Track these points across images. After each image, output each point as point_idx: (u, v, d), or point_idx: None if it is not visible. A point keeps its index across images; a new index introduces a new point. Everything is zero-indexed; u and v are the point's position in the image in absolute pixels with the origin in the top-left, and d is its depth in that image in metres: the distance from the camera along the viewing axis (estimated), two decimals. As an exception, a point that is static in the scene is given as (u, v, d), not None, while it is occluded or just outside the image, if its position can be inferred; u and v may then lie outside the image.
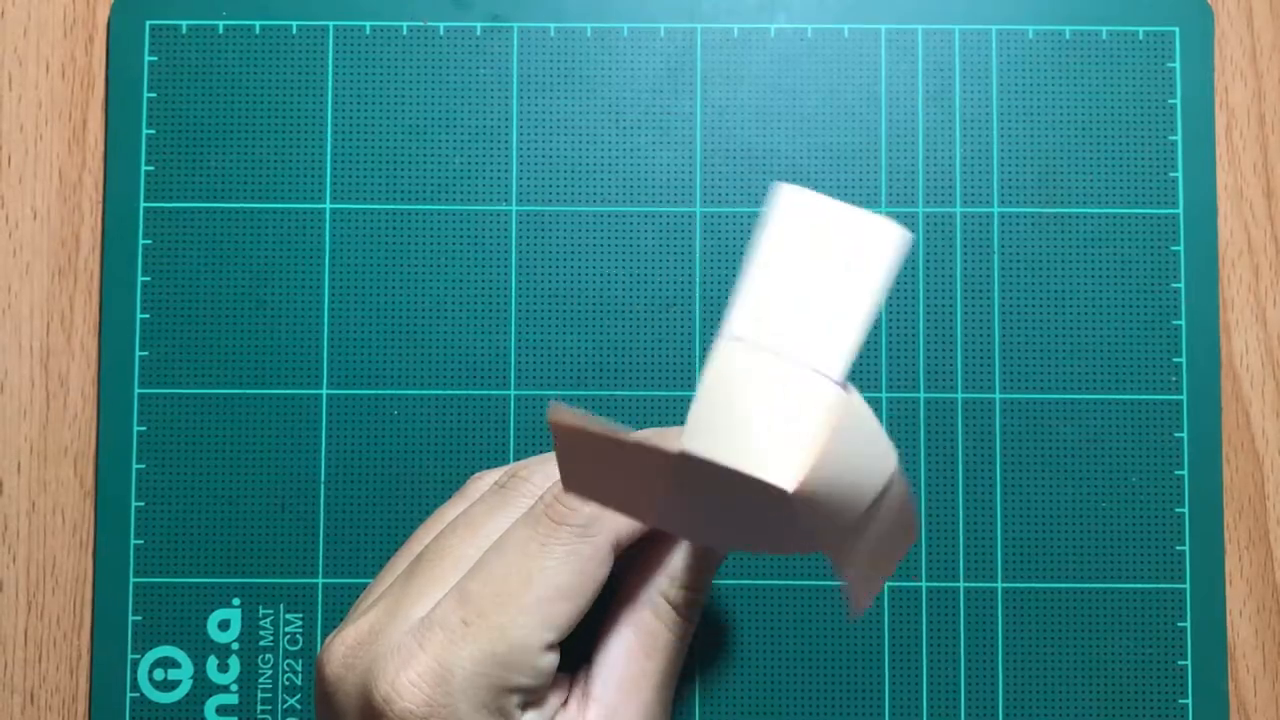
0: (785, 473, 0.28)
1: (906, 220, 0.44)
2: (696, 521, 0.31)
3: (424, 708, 0.31)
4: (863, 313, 0.29)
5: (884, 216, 0.30)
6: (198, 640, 0.44)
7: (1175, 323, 0.44)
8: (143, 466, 0.44)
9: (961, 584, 0.44)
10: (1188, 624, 0.43)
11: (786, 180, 0.44)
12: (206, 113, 0.45)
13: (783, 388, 0.29)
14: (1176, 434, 0.44)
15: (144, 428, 0.44)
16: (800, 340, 0.29)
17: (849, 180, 0.45)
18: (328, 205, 0.45)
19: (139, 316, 0.44)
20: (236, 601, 0.44)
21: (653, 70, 0.45)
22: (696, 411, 0.29)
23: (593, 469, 0.30)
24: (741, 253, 0.44)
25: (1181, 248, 0.44)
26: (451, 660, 0.31)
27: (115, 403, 0.44)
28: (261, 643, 0.44)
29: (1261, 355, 0.44)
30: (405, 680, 0.31)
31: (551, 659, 0.32)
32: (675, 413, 0.44)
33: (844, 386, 0.29)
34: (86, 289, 0.45)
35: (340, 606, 0.44)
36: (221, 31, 0.45)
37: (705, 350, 0.44)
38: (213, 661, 0.43)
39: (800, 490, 0.28)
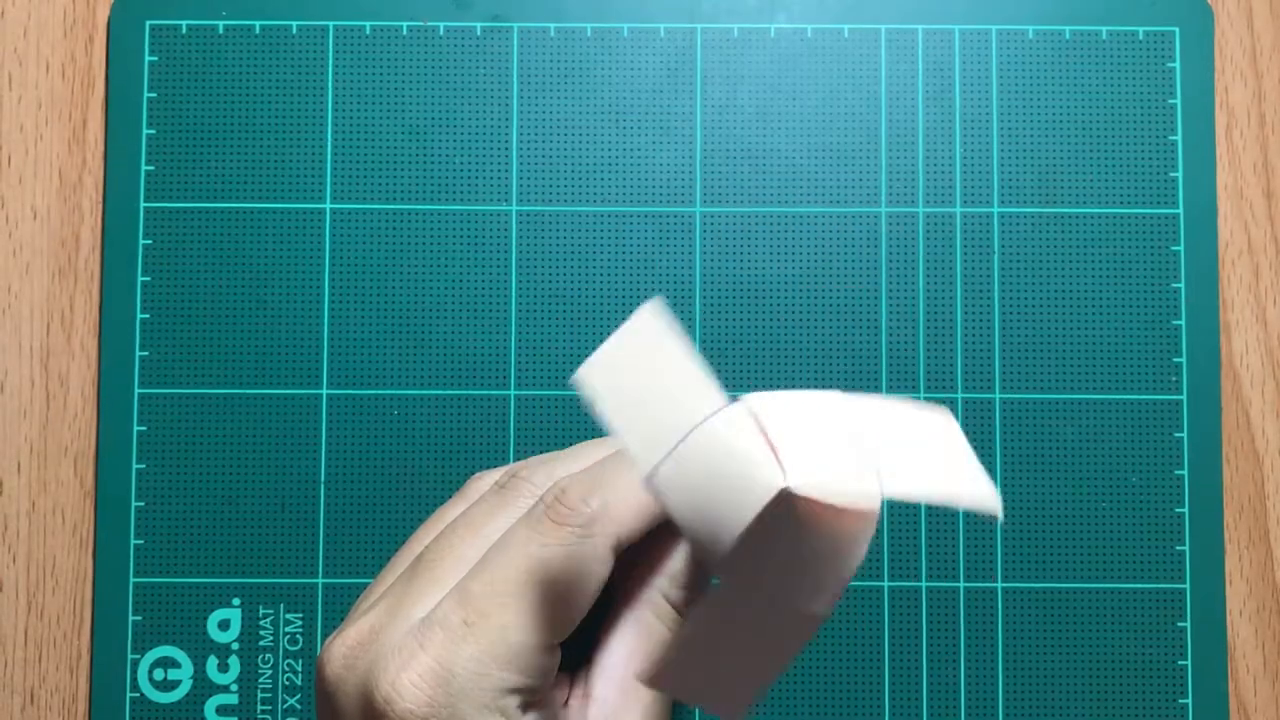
0: (798, 473, 0.28)
1: (906, 220, 0.44)
2: (684, 499, 0.31)
3: (425, 708, 0.31)
4: (684, 364, 0.30)
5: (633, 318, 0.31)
6: (198, 640, 0.44)
7: (1175, 323, 0.44)
8: (143, 466, 0.44)
9: (961, 584, 0.44)
10: (1188, 624, 0.43)
11: (786, 180, 0.44)
12: (206, 113, 0.45)
13: (719, 438, 0.29)
14: (1176, 434, 0.44)
15: (144, 428, 0.44)
16: (684, 413, 0.30)
17: (849, 180, 0.45)
18: (328, 205, 0.45)
19: (139, 316, 0.44)
20: (236, 601, 0.44)
21: (653, 70, 0.45)
22: (694, 534, 0.29)
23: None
24: (742, 252, 0.44)
25: (1181, 248, 0.44)
26: (453, 660, 0.31)
27: (115, 403, 0.44)
28: (261, 643, 0.44)
29: (1261, 355, 0.44)
30: (406, 680, 0.31)
31: (552, 659, 0.32)
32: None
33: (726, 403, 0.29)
34: (86, 289, 0.45)
35: (340, 606, 0.44)
36: (221, 31, 0.45)
37: (705, 350, 0.44)
38: (213, 661, 0.43)
39: (801, 501, 0.28)
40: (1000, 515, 0.31)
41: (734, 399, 0.29)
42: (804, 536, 0.28)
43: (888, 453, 0.30)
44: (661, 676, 0.30)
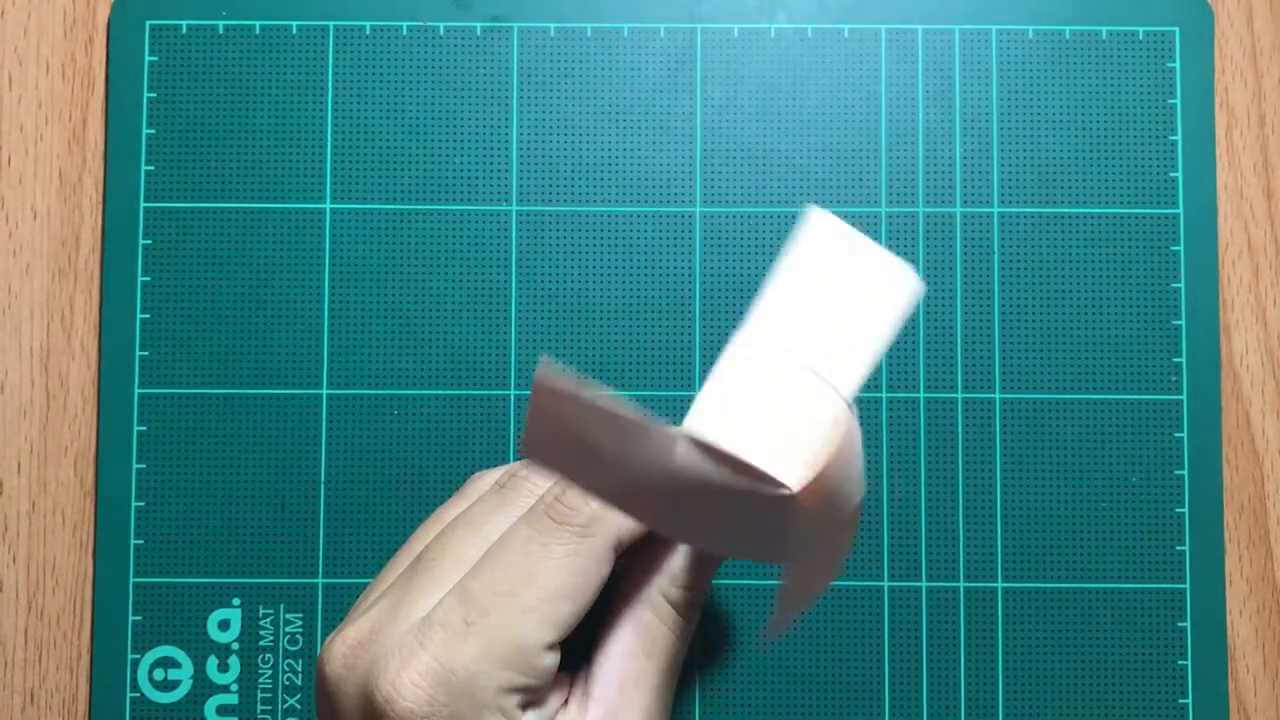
0: (791, 473, 0.28)
1: (906, 220, 0.44)
2: (679, 517, 0.31)
3: (425, 707, 0.31)
4: (878, 343, 0.30)
5: (903, 262, 0.30)
6: (198, 640, 0.44)
7: (1175, 323, 0.44)
8: (143, 466, 0.44)
9: (961, 584, 0.44)
10: (1188, 624, 0.43)
11: (786, 180, 0.44)
12: (206, 113, 0.45)
13: (798, 392, 0.29)
14: (1176, 434, 0.44)
15: (144, 428, 0.44)
16: (819, 353, 0.29)
17: (849, 180, 0.45)
18: (328, 205, 0.45)
19: (139, 316, 0.44)
20: (236, 601, 0.44)
21: (653, 70, 0.45)
22: (706, 399, 0.29)
23: (571, 442, 0.29)
24: (742, 252, 0.44)
25: (1181, 248, 0.44)
26: (453, 660, 0.31)
27: (115, 403, 0.44)
28: (261, 643, 0.44)
29: (1261, 355, 0.44)
30: (406, 680, 0.31)
31: (552, 658, 0.32)
32: (675, 413, 0.44)
33: (850, 406, 0.29)
34: (86, 289, 0.45)
35: (340, 606, 0.44)
36: (221, 31, 0.45)
37: (705, 350, 0.44)
38: (213, 661, 0.43)
39: (802, 494, 0.28)
40: (917, 291, 0.31)
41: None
42: (805, 511, 0.29)
43: (821, 345, 0.30)
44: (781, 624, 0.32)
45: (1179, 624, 0.44)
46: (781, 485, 0.28)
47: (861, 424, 0.33)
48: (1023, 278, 0.44)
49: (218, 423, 0.44)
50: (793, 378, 0.29)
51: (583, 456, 0.29)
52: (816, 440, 0.29)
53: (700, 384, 0.43)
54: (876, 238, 0.44)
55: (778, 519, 0.29)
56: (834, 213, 0.44)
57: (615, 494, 0.30)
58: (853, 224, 0.44)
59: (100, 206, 0.45)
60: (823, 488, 0.29)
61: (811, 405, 0.29)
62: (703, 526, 0.31)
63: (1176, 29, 0.45)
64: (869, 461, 0.44)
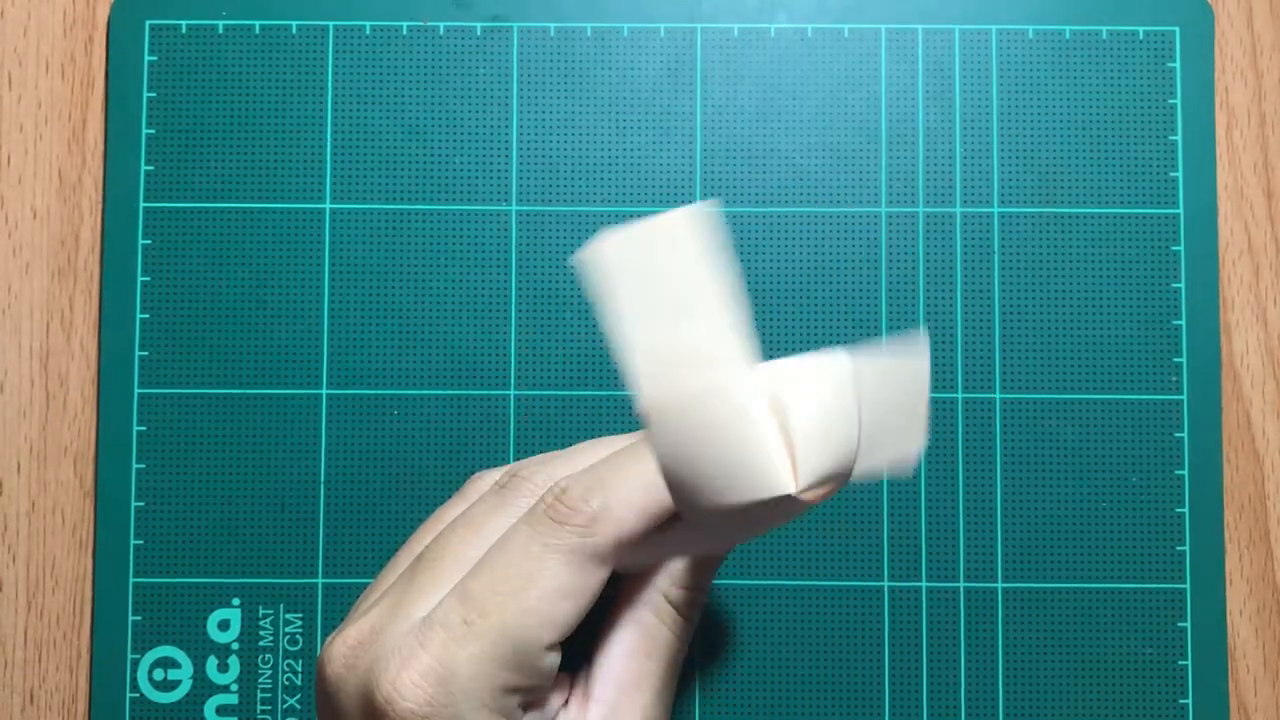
0: (786, 480, 0.28)
1: (906, 220, 0.44)
2: (668, 455, 0.31)
3: (426, 707, 0.31)
4: (715, 294, 0.29)
5: (677, 211, 0.30)
6: (198, 640, 0.44)
7: (1175, 323, 0.44)
8: (143, 466, 0.44)
9: (961, 584, 0.44)
10: (1188, 624, 0.43)
11: (786, 180, 0.44)
12: (206, 113, 0.45)
13: (733, 409, 0.29)
14: (1177, 434, 0.44)
15: (144, 428, 0.44)
16: (696, 355, 0.29)
17: (849, 180, 0.45)
18: (328, 205, 0.45)
19: (139, 316, 0.44)
20: (236, 601, 0.44)
21: (653, 70, 0.45)
22: (673, 475, 0.29)
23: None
24: (742, 252, 0.44)
25: (1182, 248, 0.44)
26: (453, 660, 0.31)
27: (115, 403, 0.44)
28: (261, 643, 0.44)
29: (1262, 355, 0.44)
30: (407, 680, 0.31)
31: (553, 659, 0.32)
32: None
33: (753, 366, 0.29)
34: (86, 289, 0.45)
35: (340, 606, 0.44)
36: (221, 31, 0.45)
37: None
38: (213, 661, 0.43)
39: (805, 486, 0.28)
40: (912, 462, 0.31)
41: (752, 356, 0.29)
42: (780, 512, 0.29)
43: (868, 428, 0.30)
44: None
45: (1179, 624, 0.43)
46: (788, 482, 0.28)
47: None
48: (1023, 278, 0.44)
49: (218, 423, 0.44)
50: (706, 400, 0.29)
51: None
52: (830, 461, 0.29)
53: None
54: (876, 238, 0.44)
55: (756, 506, 0.29)
56: (834, 213, 0.44)
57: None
58: (854, 224, 0.44)
59: (100, 206, 0.45)
60: (813, 459, 0.29)
61: (841, 425, 0.29)
62: (684, 474, 0.31)
63: (1176, 29, 0.45)
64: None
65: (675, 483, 0.29)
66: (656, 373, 0.29)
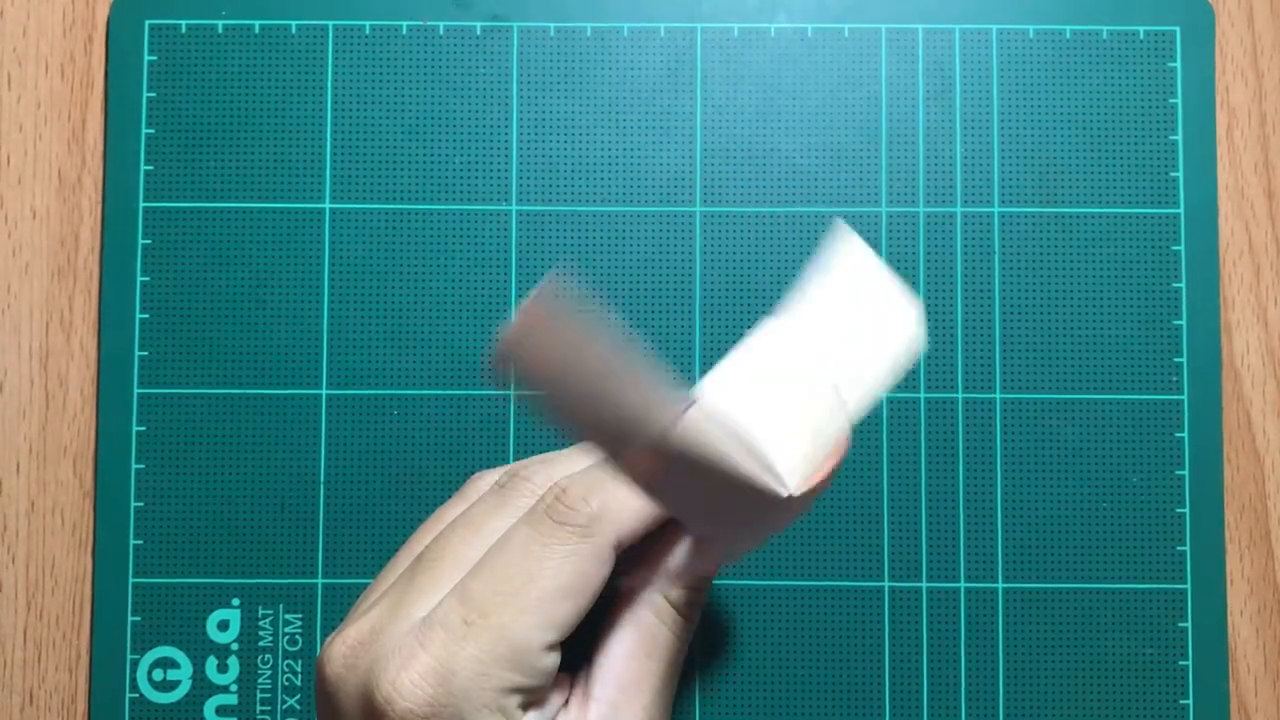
0: (794, 477, 0.28)
1: (906, 220, 0.44)
2: (661, 482, 0.31)
3: (426, 707, 0.31)
4: (887, 380, 0.30)
5: (912, 299, 0.31)
6: (197, 640, 0.44)
7: (1176, 323, 0.44)
8: (143, 466, 0.44)
9: (962, 584, 0.44)
10: (1188, 624, 0.43)
11: (786, 180, 0.44)
12: (206, 113, 0.45)
13: (817, 403, 0.29)
14: (1177, 434, 0.44)
15: (144, 428, 0.44)
16: (842, 372, 0.30)
17: (849, 180, 0.45)
18: (328, 205, 0.45)
19: (139, 316, 0.44)
20: (236, 601, 0.44)
21: (653, 70, 0.45)
22: (727, 372, 0.29)
23: (562, 365, 0.28)
24: (742, 252, 0.44)
25: (1182, 248, 0.44)
26: (453, 660, 0.31)
27: (115, 403, 0.44)
28: (261, 643, 0.44)
29: (1262, 355, 0.44)
30: (407, 680, 0.31)
31: (553, 658, 0.32)
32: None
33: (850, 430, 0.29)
34: (86, 289, 0.45)
35: (340, 606, 0.44)
36: (221, 31, 0.45)
37: (705, 350, 0.44)
38: (212, 662, 0.43)
39: (794, 500, 0.28)
40: (919, 335, 0.31)
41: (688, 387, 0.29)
42: (786, 507, 0.29)
43: (837, 365, 0.30)
44: None
45: (1180, 624, 0.43)
46: (782, 486, 0.28)
47: (862, 423, 0.33)
48: (1023, 278, 0.44)
49: (218, 423, 0.44)
50: (816, 387, 0.29)
51: (567, 380, 0.28)
52: (821, 453, 0.29)
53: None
54: (877, 238, 0.44)
55: (761, 512, 0.29)
56: (834, 213, 0.45)
57: (596, 432, 0.30)
58: (853, 224, 0.44)
59: (100, 206, 0.45)
60: (809, 499, 0.29)
61: (825, 419, 0.29)
62: (678, 494, 0.31)
63: (1177, 29, 0.45)
64: (870, 460, 0.44)
65: (679, 518, 0.30)
66: (614, 439, 0.29)
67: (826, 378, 0.30)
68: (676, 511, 0.33)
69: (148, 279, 0.44)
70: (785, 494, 0.28)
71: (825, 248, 0.31)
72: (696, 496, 0.30)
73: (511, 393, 0.44)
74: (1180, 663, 0.43)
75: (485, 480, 0.38)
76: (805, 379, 0.29)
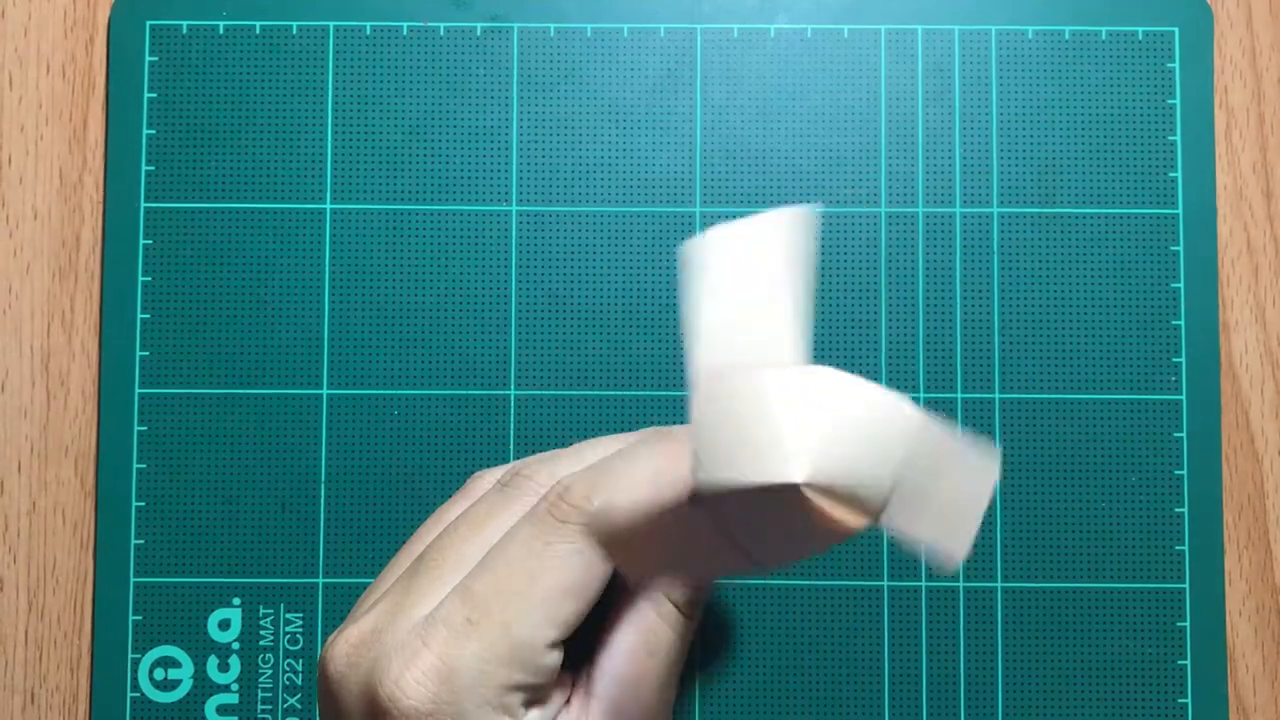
0: (794, 468, 0.28)
1: (906, 220, 0.44)
2: (731, 553, 0.31)
3: (429, 705, 0.31)
4: (789, 296, 0.30)
5: (777, 212, 0.31)
6: (198, 640, 0.44)
7: (1175, 323, 0.44)
8: (143, 466, 0.44)
9: (961, 584, 0.44)
10: (1187, 624, 0.44)
11: (786, 180, 0.44)
12: (206, 113, 0.45)
13: (765, 395, 0.29)
14: (1176, 434, 0.44)
15: (144, 428, 0.44)
16: (754, 344, 0.30)
17: (849, 180, 0.45)
18: (328, 205, 0.45)
19: (139, 316, 0.44)
20: (237, 601, 0.44)
21: (653, 70, 0.45)
22: (698, 446, 0.29)
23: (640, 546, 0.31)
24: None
25: (1181, 248, 0.44)
26: (456, 658, 0.31)
27: (115, 403, 0.44)
28: (262, 642, 0.44)
29: (1261, 355, 0.44)
30: (410, 678, 0.31)
31: (555, 657, 0.32)
32: (675, 412, 0.44)
33: (807, 366, 0.29)
34: (87, 289, 0.45)
35: (340, 606, 0.44)
36: (221, 31, 0.45)
37: (706, 350, 0.44)
38: (213, 661, 0.43)
39: (813, 480, 0.28)
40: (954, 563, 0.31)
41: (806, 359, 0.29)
42: (788, 516, 0.29)
43: (912, 483, 0.30)
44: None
45: (1179, 624, 0.44)
46: (796, 468, 0.28)
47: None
48: (1023, 278, 0.44)
49: (218, 423, 0.44)
50: (752, 382, 0.30)
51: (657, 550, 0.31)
52: (804, 423, 0.29)
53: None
54: (876, 238, 0.45)
55: (808, 509, 0.29)
56: (834, 213, 0.45)
57: (695, 564, 0.31)
58: (854, 224, 0.44)
59: (100, 206, 0.45)
60: (833, 458, 0.29)
61: (783, 395, 0.29)
62: (763, 544, 0.31)
63: (1176, 29, 0.45)
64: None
65: (695, 460, 0.29)
66: (713, 348, 0.30)
67: (755, 360, 0.30)
68: (695, 461, 0.33)
69: (149, 279, 0.44)
70: (794, 480, 0.28)
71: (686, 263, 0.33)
72: (715, 455, 0.30)
73: (513, 393, 0.44)
74: (1179, 662, 0.43)
75: (487, 479, 0.38)
76: (745, 383, 0.30)
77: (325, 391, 0.44)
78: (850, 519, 0.29)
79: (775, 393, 0.29)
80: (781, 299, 0.30)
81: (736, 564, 0.34)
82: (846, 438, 0.29)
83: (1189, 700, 0.43)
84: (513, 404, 0.44)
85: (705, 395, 0.29)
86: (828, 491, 0.28)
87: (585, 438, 0.39)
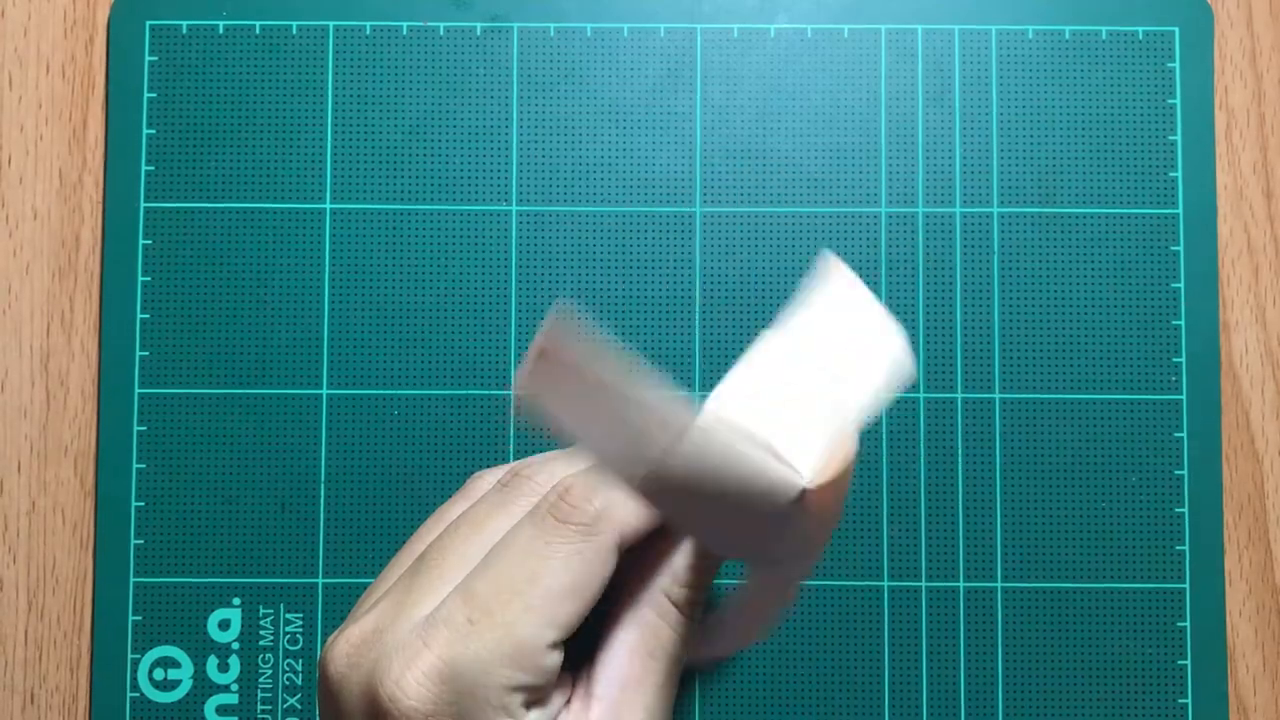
0: (808, 467, 0.28)
1: (906, 220, 0.44)
2: (675, 501, 0.31)
3: (430, 705, 0.31)
4: (874, 401, 0.31)
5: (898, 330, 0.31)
6: (198, 640, 0.44)
7: (1175, 323, 0.44)
8: (143, 466, 0.44)
9: (961, 584, 0.44)
10: (1187, 624, 0.44)
11: (786, 180, 0.44)
12: (206, 113, 0.45)
13: (822, 400, 0.29)
14: (1176, 434, 0.44)
15: (144, 428, 0.44)
16: (843, 373, 0.30)
17: (849, 180, 0.45)
18: (328, 205, 0.45)
19: (139, 316, 0.44)
20: (236, 601, 0.44)
21: (653, 70, 0.45)
22: (730, 386, 0.29)
23: (574, 396, 0.29)
24: (742, 252, 0.44)
25: (1181, 248, 0.44)
26: (457, 658, 0.31)
27: (115, 403, 0.44)
28: (261, 642, 0.44)
29: (1261, 355, 0.44)
30: (411, 678, 0.31)
31: (556, 657, 0.32)
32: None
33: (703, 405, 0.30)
34: (87, 289, 0.45)
35: (340, 606, 0.44)
36: (221, 31, 0.45)
37: (705, 350, 0.44)
38: (213, 661, 0.43)
39: (812, 494, 0.28)
40: (907, 362, 0.32)
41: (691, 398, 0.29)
42: (806, 513, 0.29)
43: (838, 377, 0.30)
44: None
45: (1179, 624, 0.44)
46: (798, 475, 0.28)
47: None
48: (1023, 278, 0.44)
49: (218, 423, 0.44)
50: (819, 386, 0.30)
51: (583, 411, 0.29)
52: (832, 446, 0.29)
53: (699, 383, 0.43)
54: (876, 238, 0.45)
55: (779, 516, 0.29)
56: (834, 213, 0.45)
57: (611, 457, 0.30)
58: (853, 224, 0.44)
59: (100, 206, 0.45)
60: (829, 496, 0.29)
61: (831, 414, 0.29)
62: (698, 514, 0.31)
63: (1176, 29, 0.45)
64: (870, 459, 0.44)
65: (703, 538, 0.30)
66: (633, 458, 0.30)
67: (824, 392, 0.30)
68: (704, 536, 0.33)
69: (148, 279, 0.44)
70: (802, 484, 0.28)
71: (814, 277, 0.32)
72: (719, 513, 0.30)
73: (513, 394, 0.44)
74: (1179, 662, 0.43)
75: (487, 479, 0.38)
76: (805, 392, 0.30)
77: (325, 391, 0.44)
78: (838, 465, 0.29)
79: (830, 412, 0.29)
80: (626, 376, 0.30)
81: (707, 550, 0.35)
82: (800, 420, 0.29)
83: (1189, 700, 0.43)
84: (512, 404, 0.44)
85: (776, 348, 0.30)
86: (813, 507, 0.29)
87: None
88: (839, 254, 0.44)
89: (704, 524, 0.32)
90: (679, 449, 0.29)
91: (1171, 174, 0.45)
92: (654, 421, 0.29)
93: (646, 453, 0.29)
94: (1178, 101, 0.45)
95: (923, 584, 0.44)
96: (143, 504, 0.44)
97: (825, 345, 0.31)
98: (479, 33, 0.45)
